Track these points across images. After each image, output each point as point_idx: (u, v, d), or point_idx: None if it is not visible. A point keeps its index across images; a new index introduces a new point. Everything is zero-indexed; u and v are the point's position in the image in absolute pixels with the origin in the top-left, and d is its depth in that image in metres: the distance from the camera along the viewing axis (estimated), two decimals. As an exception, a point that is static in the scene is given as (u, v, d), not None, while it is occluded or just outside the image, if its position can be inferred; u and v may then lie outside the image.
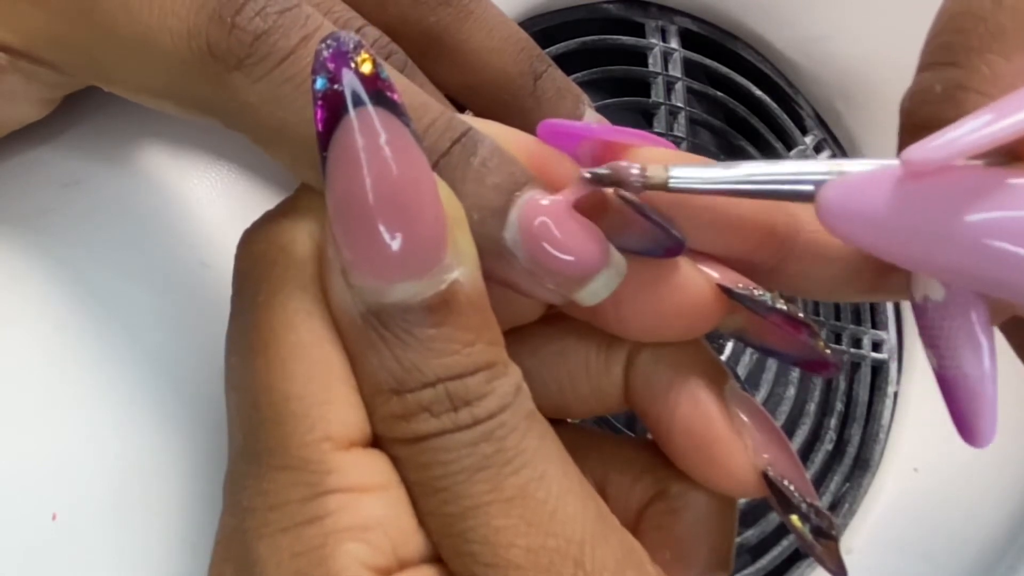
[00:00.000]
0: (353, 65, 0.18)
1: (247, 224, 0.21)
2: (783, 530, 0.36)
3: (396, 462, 0.19)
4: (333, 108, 0.17)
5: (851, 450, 0.39)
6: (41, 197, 0.24)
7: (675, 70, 0.38)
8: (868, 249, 0.18)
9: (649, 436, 0.24)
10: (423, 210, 0.18)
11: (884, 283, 0.22)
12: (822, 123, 0.42)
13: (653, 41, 0.38)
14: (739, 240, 0.21)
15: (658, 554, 0.22)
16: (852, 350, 0.40)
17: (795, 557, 0.37)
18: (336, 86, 0.17)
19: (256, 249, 0.20)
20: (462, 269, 0.18)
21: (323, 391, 0.18)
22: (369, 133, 0.17)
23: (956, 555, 0.39)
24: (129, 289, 0.24)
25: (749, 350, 0.37)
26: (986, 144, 0.16)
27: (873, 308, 0.41)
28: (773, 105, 0.40)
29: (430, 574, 0.18)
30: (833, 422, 0.39)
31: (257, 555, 0.18)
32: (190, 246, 0.25)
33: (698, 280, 0.21)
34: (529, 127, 0.22)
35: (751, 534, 0.36)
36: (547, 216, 0.19)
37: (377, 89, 0.18)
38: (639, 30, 0.38)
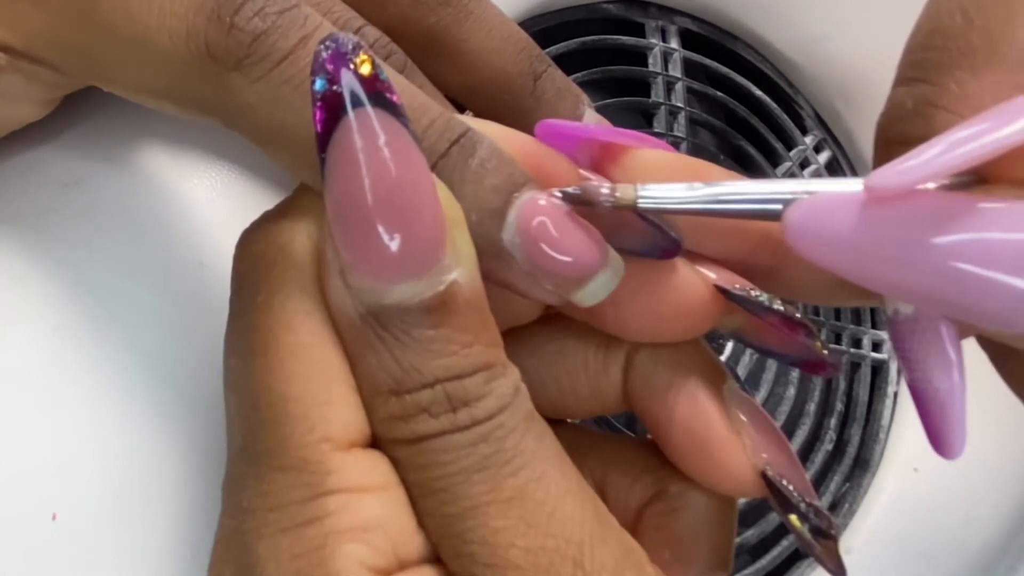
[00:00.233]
0: (352, 66, 0.18)
1: (247, 224, 0.21)
2: (783, 530, 0.36)
3: (395, 463, 0.19)
4: (332, 109, 0.17)
5: (851, 450, 0.39)
6: (41, 197, 0.24)
7: (675, 70, 0.38)
8: (833, 270, 0.18)
9: (648, 436, 0.24)
10: (422, 211, 0.18)
11: None
12: (822, 123, 0.42)
13: (653, 41, 0.38)
14: (736, 242, 0.21)
15: (657, 554, 0.22)
16: (852, 350, 0.40)
17: (795, 557, 0.37)
18: (335, 87, 0.17)
19: (255, 250, 0.20)
20: (460, 270, 0.18)
21: (322, 392, 0.18)
22: (368, 134, 0.17)
23: (956, 555, 0.39)
24: (129, 289, 0.24)
25: (749, 350, 0.37)
26: (946, 171, 0.16)
27: (873, 308, 0.41)
28: (773, 105, 0.40)
29: (429, 574, 0.19)
30: (833, 422, 0.39)
31: (257, 556, 0.18)
32: (190, 246, 0.25)
33: (695, 281, 0.21)
34: (529, 127, 0.22)
35: (751, 534, 0.36)
36: (545, 217, 0.19)
37: (376, 90, 0.18)
38: (639, 30, 0.38)
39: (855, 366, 0.40)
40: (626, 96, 0.36)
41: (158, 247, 0.25)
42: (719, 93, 0.39)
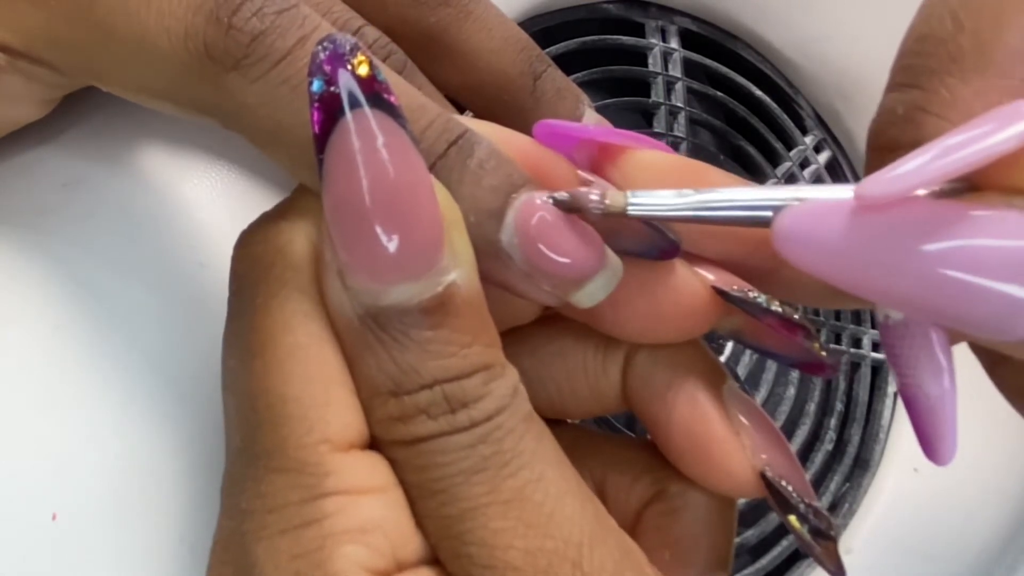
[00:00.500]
0: (350, 67, 0.18)
1: (246, 224, 0.21)
2: (783, 530, 0.36)
3: (394, 464, 0.19)
4: (329, 110, 0.17)
5: (851, 450, 0.39)
6: (41, 197, 0.24)
7: (675, 70, 0.38)
8: (822, 278, 0.18)
9: (648, 436, 0.24)
10: (420, 212, 0.18)
11: None
12: (822, 123, 0.42)
13: (653, 41, 0.37)
14: (734, 244, 0.21)
15: (657, 555, 0.22)
16: (852, 350, 0.40)
17: (795, 557, 0.37)
18: (332, 88, 0.17)
19: (253, 251, 0.20)
20: (459, 271, 0.18)
21: (321, 393, 0.18)
22: (366, 135, 0.17)
23: (956, 555, 0.39)
24: (128, 289, 0.24)
25: (749, 350, 0.37)
26: (936, 179, 0.16)
27: (873, 308, 0.41)
28: (773, 105, 0.40)
29: None
30: (833, 422, 0.39)
31: (255, 557, 0.18)
32: (189, 246, 0.25)
33: (693, 282, 0.21)
34: (529, 127, 0.22)
35: (751, 534, 0.36)
36: (544, 218, 0.19)
37: (374, 91, 0.18)
38: (639, 30, 0.38)
39: (855, 366, 0.40)
40: (626, 96, 0.36)
41: (158, 247, 0.25)
42: (719, 93, 0.39)
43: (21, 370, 0.23)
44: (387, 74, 0.19)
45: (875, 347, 0.41)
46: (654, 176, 0.21)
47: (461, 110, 0.27)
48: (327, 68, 0.17)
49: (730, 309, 0.21)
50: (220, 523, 0.20)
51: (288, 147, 0.19)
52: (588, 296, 0.20)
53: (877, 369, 0.41)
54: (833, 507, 0.38)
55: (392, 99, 0.18)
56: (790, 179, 0.40)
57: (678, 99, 0.37)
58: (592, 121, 0.27)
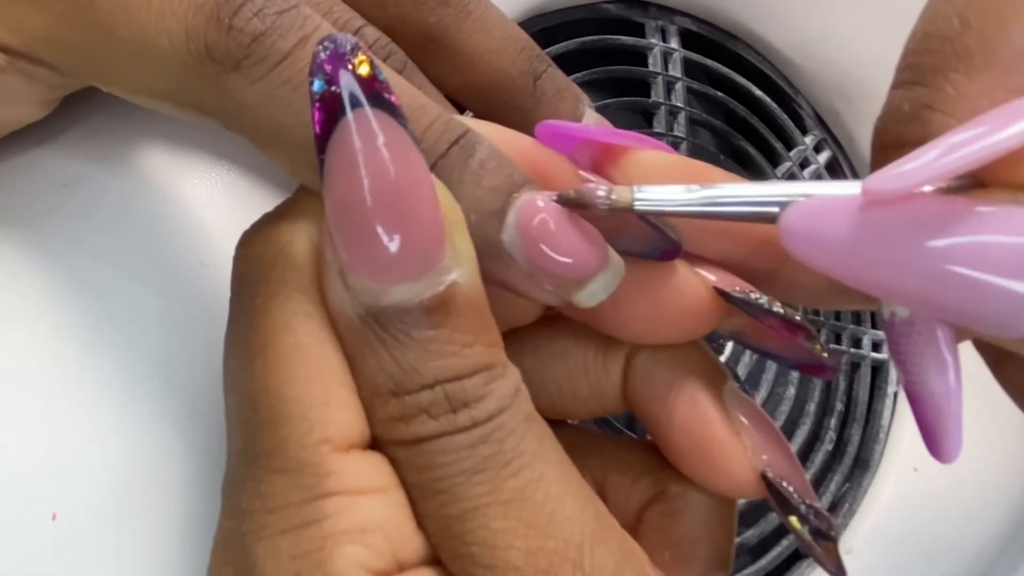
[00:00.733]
0: (350, 67, 0.17)
1: (247, 224, 0.21)
2: (783, 530, 0.36)
3: (395, 464, 0.19)
4: (330, 110, 0.17)
5: (851, 450, 0.39)
6: (41, 197, 0.24)
7: (675, 70, 0.38)
8: (829, 273, 0.18)
9: (648, 437, 0.24)
10: (421, 212, 0.18)
11: None
12: (822, 123, 0.42)
13: (653, 41, 0.37)
14: (736, 244, 0.21)
15: (658, 555, 0.22)
16: (852, 350, 0.40)
17: (795, 557, 0.37)
18: (333, 88, 0.17)
19: (254, 251, 0.20)
20: (460, 271, 0.18)
21: (322, 393, 0.18)
22: (367, 135, 0.17)
23: (956, 555, 0.39)
24: (129, 289, 0.24)
25: (749, 350, 0.37)
26: (943, 175, 0.16)
27: (873, 310, 0.41)
28: (773, 105, 0.40)
29: None
30: (833, 422, 0.39)
31: (256, 557, 0.18)
32: (190, 246, 0.25)
33: (695, 283, 0.21)
34: (529, 127, 0.22)
35: (751, 534, 0.36)
36: (545, 218, 0.19)
37: (375, 91, 0.18)
38: (639, 30, 0.38)
39: (855, 366, 0.40)
40: (626, 96, 0.36)
41: (158, 247, 0.25)
42: (719, 93, 0.39)
43: (21, 370, 0.23)
44: (388, 74, 0.19)
45: (875, 347, 0.41)
46: (656, 176, 0.21)
47: (461, 110, 0.27)
48: (328, 68, 0.17)
49: (731, 310, 0.21)
50: (221, 523, 0.20)
51: (289, 147, 0.19)
52: (590, 296, 0.20)
53: (877, 369, 0.41)
54: (833, 507, 0.38)
55: (393, 99, 0.18)
56: (790, 179, 0.40)
57: (678, 99, 0.37)
58: (592, 121, 0.26)
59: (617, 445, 0.25)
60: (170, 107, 0.20)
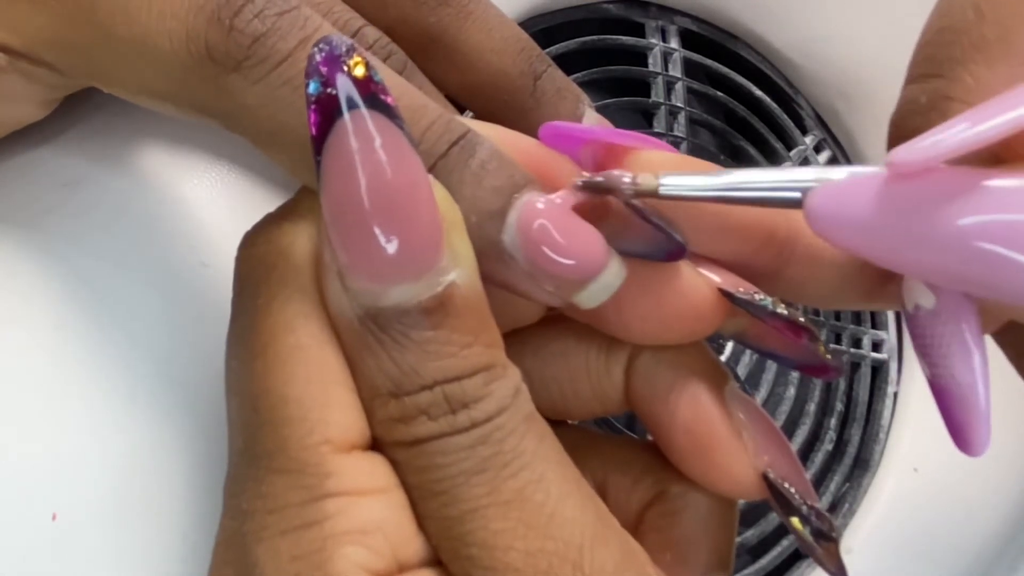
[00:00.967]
0: (346, 69, 0.17)
1: (247, 224, 0.21)
2: (783, 530, 0.36)
3: (395, 465, 0.19)
4: (327, 112, 0.17)
5: (851, 450, 0.39)
6: (41, 197, 0.24)
7: (675, 70, 0.38)
8: (857, 253, 0.18)
9: (649, 437, 0.24)
10: (418, 213, 0.18)
11: (882, 291, 0.22)
12: (822, 123, 0.42)
13: (653, 41, 0.37)
14: (740, 244, 0.21)
15: (658, 555, 0.22)
16: (852, 350, 0.40)
17: (795, 557, 0.37)
18: (329, 90, 0.17)
19: (256, 252, 0.20)
20: (459, 271, 0.18)
21: (322, 394, 0.18)
22: (363, 137, 0.17)
23: (956, 555, 0.39)
24: (129, 289, 0.24)
25: (749, 350, 0.37)
26: (970, 145, 0.16)
27: (873, 311, 0.41)
28: (773, 105, 0.40)
29: None
30: (833, 422, 0.39)
31: (256, 558, 0.18)
32: (190, 246, 0.25)
33: (699, 284, 0.21)
34: (529, 127, 0.22)
35: (751, 534, 0.36)
36: (546, 219, 0.19)
37: (371, 92, 0.18)
38: (639, 30, 0.38)
39: (855, 366, 0.40)
40: (626, 96, 0.36)
41: (159, 247, 0.25)
42: (719, 93, 0.39)
43: (21, 370, 0.23)
44: (388, 75, 0.19)
45: (875, 347, 0.41)
46: None
47: (461, 110, 0.27)
48: (324, 70, 0.17)
49: (735, 311, 0.21)
50: (222, 523, 0.20)
51: (289, 148, 0.19)
52: (591, 297, 0.20)
53: (877, 369, 0.41)
54: (833, 507, 0.38)
55: (389, 100, 0.18)
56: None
57: (678, 99, 0.37)
58: (593, 121, 0.26)
59: (618, 445, 0.25)
60: (170, 108, 0.20)
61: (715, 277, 0.21)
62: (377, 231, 0.18)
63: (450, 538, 0.18)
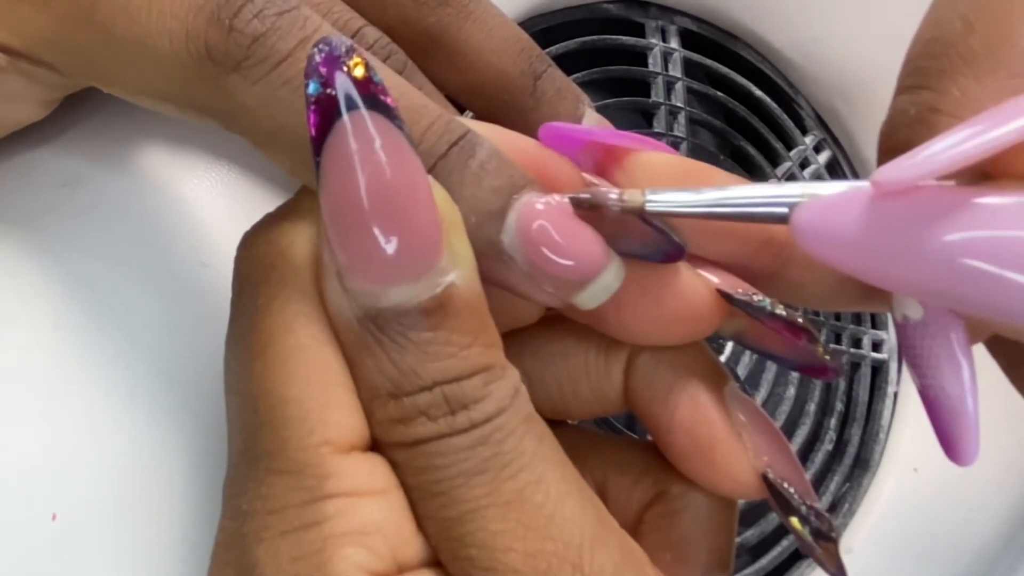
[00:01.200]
0: (345, 69, 0.17)
1: (247, 224, 0.21)
2: (783, 530, 0.36)
3: (395, 466, 0.19)
4: (326, 112, 0.17)
5: (851, 450, 0.39)
6: (41, 197, 0.24)
7: (675, 70, 0.38)
8: (843, 269, 0.18)
9: (649, 437, 0.24)
10: (418, 213, 0.18)
11: (881, 294, 0.22)
12: (822, 123, 0.42)
13: (653, 41, 0.37)
14: (738, 246, 0.21)
15: (658, 556, 0.22)
16: (852, 350, 0.40)
17: (795, 557, 0.37)
18: (329, 90, 0.17)
19: (256, 252, 0.20)
20: (458, 272, 0.18)
21: (322, 394, 0.18)
22: (362, 137, 0.17)
23: (956, 555, 0.39)
24: (129, 289, 0.24)
25: (750, 351, 0.37)
26: (955, 164, 0.16)
27: (873, 312, 0.41)
28: (773, 105, 0.40)
29: None
30: (833, 422, 0.39)
31: (256, 559, 0.18)
32: (190, 246, 0.25)
33: (698, 285, 0.21)
34: (529, 127, 0.22)
35: (751, 534, 0.36)
36: (546, 219, 0.19)
37: (370, 93, 0.18)
38: (639, 30, 0.38)
39: (855, 366, 0.40)
40: (626, 96, 0.36)
41: (158, 247, 0.25)
42: (719, 93, 0.39)
43: (21, 370, 0.23)
44: (388, 75, 0.19)
45: (875, 347, 0.41)
46: (659, 177, 0.21)
47: (461, 110, 0.27)
48: (323, 70, 0.17)
49: (734, 311, 0.21)
50: (222, 524, 0.20)
51: (289, 148, 0.19)
52: (590, 298, 0.20)
53: (877, 369, 0.41)
54: (833, 507, 0.38)
55: (388, 100, 0.18)
56: (790, 179, 0.40)
57: (678, 99, 0.37)
58: (593, 121, 0.26)
59: (617, 445, 0.25)
60: (170, 108, 0.20)
61: (714, 278, 0.21)
62: (376, 232, 0.18)
63: (449, 539, 0.18)
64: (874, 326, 0.41)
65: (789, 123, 0.40)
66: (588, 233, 0.19)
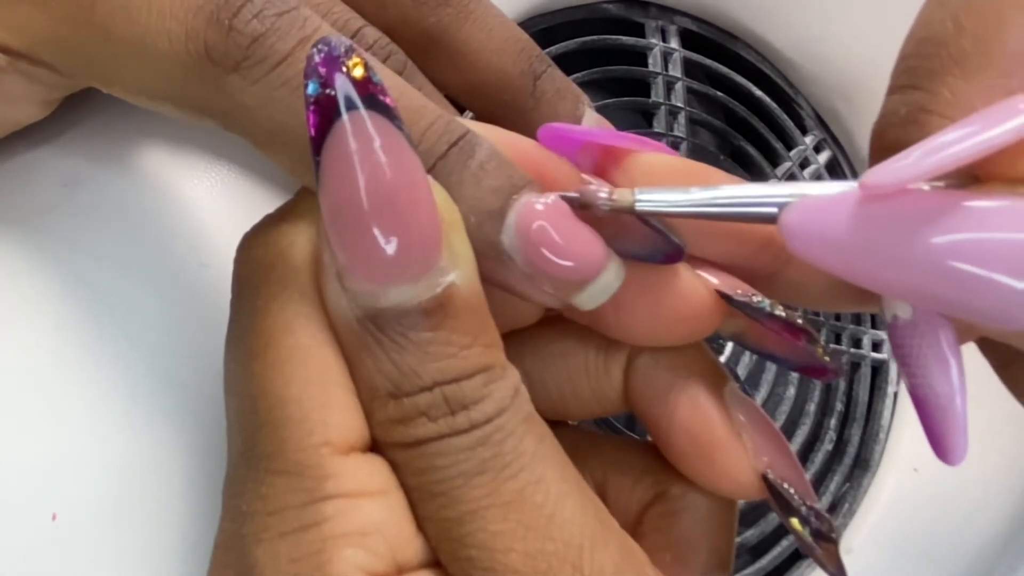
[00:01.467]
0: (345, 69, 0.17)
1: (247, 225, 0.21)
2: (783, 530, 0.36)
3: (395, 467, 0.19)
4: (325, 112, 0.17)
5: (851, 450, 0.39)
6: (41, 197, 0.24)
7: (675, 70, 0.38)
8: (831, 270, 0.18)
9: (649, 437, 0.24)
10: (417, 213, 0.18)
11: (875, 294, 0.22)
12: (822, 123, 0.42)
13: (653, 41, 0.37)
14: (737, 246, 0.21)
15: (658, 556, 0.22)
16: (852, 350, 0.40)
17: (795, 557, 0.37)
18: (328, 90, 0.17)
19: (255, 253, 0.20)
20: (458, 272, 0.18)
21: (321, 395, 0.18)
22: (362, 137, 0.17)
23: (956, 555, 0.39)
24: (129, 289, 0.24)
25: (750, 352, 0.37)
26: (943, 167, 0.17)
27: (873, 312, 0.41)
28: (773, 105, 0.40)
29: None
30: (833, 422, 0.39)
31: (255, 560, 0.18)
32: (190, 246, 0.25)
33: (697, 286, 0.21)
34: (529, 127, 0.22)
35: (751, 534, 0.36)
36: (545, 220, 0.19)
37: (369, 93, 0.18)
38: (639, 30, 0.38)
39: (855, 366, 0.40)
40: (626, 96, 0.36)
41: (158, 247, 0.25)
42: (719, 93, 0.39)
43: (21, 369, 0.23)
44: (387, 75, 0.19)
45: (875, 347, 0.41)
46: (658, 178, 0.21)
47: (461, 111, 0.27)
48: (322, 71, 0.17)
49: (733, 312, 0.21)
50: (221, 525, 0.20)
51: (288, 148, 0.19)
52: (590, 298, 0.20)
53: (877, 369, 0.41)
54: (833, 507, 0.38)
55: (388, 100, 0.18)
56: (790, 179, 0.40)
57: (678, 99, 0.37)
58: (592, 121, 0.26)
59: (617, 446, 0.25)
60: (170, 108, 0.20)
61: (713, 279, 0.21)
62: (376, 232, 0.18)
63: (449, 539, 0.18)
64: (874, 326, 0.41)
65: (789, 123, 0.40)
66: (588, 234, 0.19)
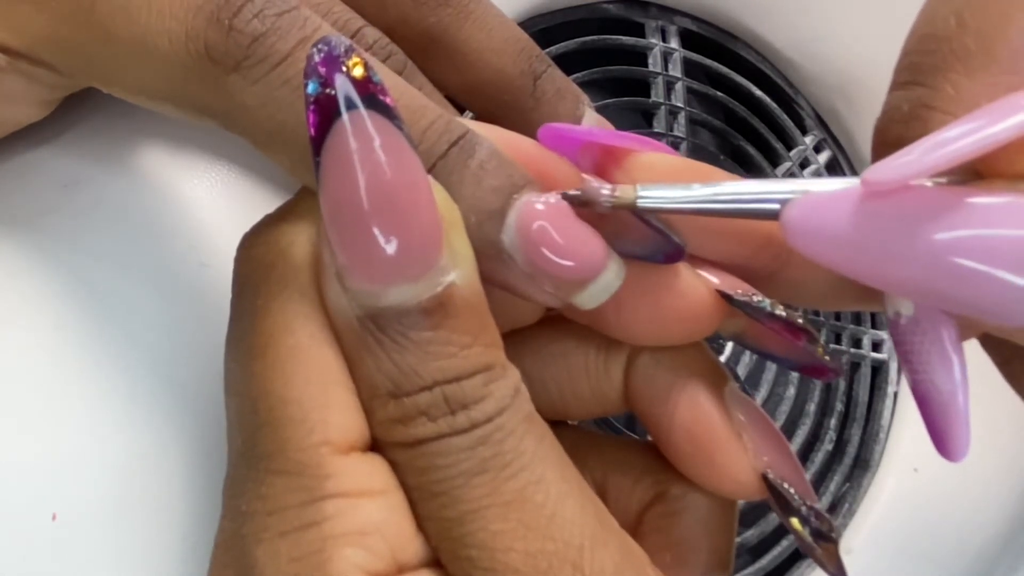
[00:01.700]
0: (345, 69, 0.17)
1: (247, 225, 0.21)
2: (783, 530, 0.36)
3: (395, 466, 0.19)
4: (325, 112, 0.17)
5: (851, 450, 0.39)
6: (41, 197, 0.24)
7: (675, 70, 0.38)
8: (832, 267, 0.18)
9: (649, 437, 0.24)
10: (418, 213, 0.18)
11: (877, 292, 0.22)
12: (822, 123, 0.42)
13: (653, 41, 0.37)
14: (738, 246, 0.21)
15: (658, 556, 0.22)
16: (852, 350, 0.40)
17: (795, 557, 0.37)
18: (328, 90, 0.17)
19: (255, 253, 0.20)
20: (458, 271, 0.18)
21: (321, 395, 0.18)
22: (362, 137, 0.17)
23: (956, 555, 0.39)
24: (129, 289, 0.24)
25: (750, 351, 0.37)
26: (946, 163, 0.16)
27: (873, 312, 0.41)
28: (773, 105, 0.40)
29: None
30: (833, 422, 0.39)
31: (255, 559, 0.18)
32: (190, 246, 0.25)
33: (698, 286, 0.21)
34: (529, 127, 0.22)
35: (751, 534, 0.36)
36: (545, 220, 0.19)
37: (369, 93, 0.18)
38: (639, 30, 0.38)
39: (855, 366, 0.40)
40: (626, 96, 0.36)
41: (158, 247, 0.25)
42: (719, 93, 0.39)
43: (21, 369, 0.23)
44: (387, 75, 0.19)
45: (875, 347, 0.41)
46: (659, 177, 0.21)
47: (461, 111, 0.27)
48: (322, 70, 0.17)
49: (733, 312, 0.21)
50: (221, 524, 0.20)
51: (289, 148, 0.19)
52: (590, 298, 0.20)
53: (877, 369, 0.41)
54: (833, 507, 0.38)
55: (388, 100, 0.18)
56: (790, 178, 0.40)
57: (678, 99, 0.37)
58: (592, 121, 0.26)
59: (617, 446, 0.25)
60: (170, 108, 0.20)
61: (713, 279, 0.21)
62: (376, 231, 0.18)
63: (450, 539, 0.18)
64: (874, 326, 0.41)
65: (789, 123, 0.40)
66: (588, 233, 0.19)
